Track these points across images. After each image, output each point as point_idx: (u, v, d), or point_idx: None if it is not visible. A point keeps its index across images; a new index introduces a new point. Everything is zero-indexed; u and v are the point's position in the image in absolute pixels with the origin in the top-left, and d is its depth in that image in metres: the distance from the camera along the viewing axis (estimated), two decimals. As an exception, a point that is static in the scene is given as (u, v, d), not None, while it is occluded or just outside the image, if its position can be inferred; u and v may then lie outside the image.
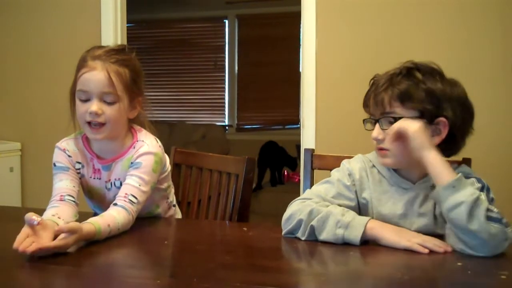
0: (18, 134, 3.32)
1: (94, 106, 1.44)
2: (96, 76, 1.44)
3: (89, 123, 1.47)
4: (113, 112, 1.47)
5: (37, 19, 3.25)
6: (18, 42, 3.29)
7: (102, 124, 1.46)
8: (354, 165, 1.47)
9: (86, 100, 1.46)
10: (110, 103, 1.46)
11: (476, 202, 1.20)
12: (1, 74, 3.35)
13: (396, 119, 1.32)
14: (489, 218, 1.19)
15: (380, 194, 1.43)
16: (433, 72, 1.36)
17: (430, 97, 1.32)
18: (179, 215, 1.79)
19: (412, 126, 1.29)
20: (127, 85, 1.48)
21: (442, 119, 1.31)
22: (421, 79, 1.34)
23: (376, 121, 1.37)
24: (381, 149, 1.37)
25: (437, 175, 1.26)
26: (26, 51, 3.28)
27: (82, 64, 1.47)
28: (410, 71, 1.36)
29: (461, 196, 1.20)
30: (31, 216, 1.19)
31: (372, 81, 1.43)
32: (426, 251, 1.22)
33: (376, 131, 1.36)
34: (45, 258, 1.17)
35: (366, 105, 1.41)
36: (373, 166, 1.46)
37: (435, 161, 1.27)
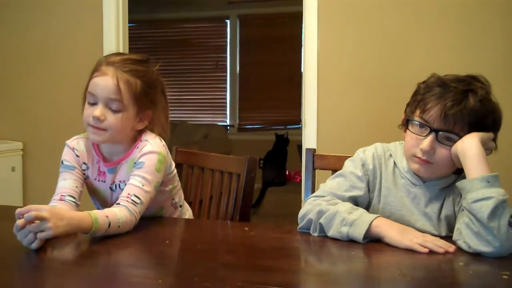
0: (20, 133, 3.32)
1: (98, 111, 1.45)
2: (105, 81, 1.45)
3: (91, 125, 1.47)
4: (116, 121, 1.46)
5: (38, 19, 3.25)
6: (20, 42, 3.30)
7: (103, 130, 1.47)
8: (368, 154, 1.48)
9: (94, 104, 1.47)
10: (114, 111, 1.46)
11: (504, 203, 1.20)
12: (3, 74, 3.36)
13: (456, 140, 1.31)
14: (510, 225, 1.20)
15: (390, 184, 1.45)
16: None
17: (494, 126, 1.34)
18: (188, 215, 1.78)
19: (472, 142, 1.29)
20: (135, 96, 1.48)
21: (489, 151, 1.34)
22: (493, 108, 1.34)
23: (433, 131, 1.32)
24: (425, 160, 1.34)
25: (473, 167, 1.26)
26: (28, 51, 3.29)
27: (96, 68, 1.49)
28: (478, 90, 1.33)
29: (493, 192, 1.21)
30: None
31: (432, 83, 1.36)
32: (426, 250, 1.22)
33: (430, 144, 1.32)
34: (46, 256, 1.17)
35: (422, 109, 1.34)
36: (391, 156, 1.48)
37: (476, 155, 1.26)
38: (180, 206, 1.73)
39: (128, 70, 1.47)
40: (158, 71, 1.57)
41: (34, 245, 1.19)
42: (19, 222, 1.19)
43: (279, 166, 5.58)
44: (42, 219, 1.19)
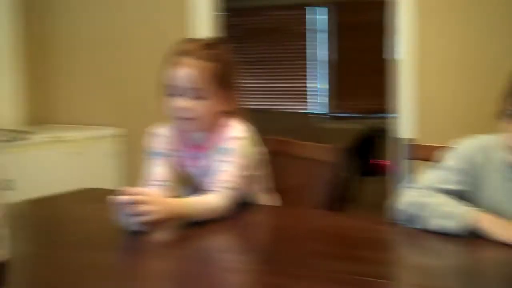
0: (121, 120, 3.38)
1: (184, 102, 1.46)
2: (183, 72, 1.45)
3: (179, 116, 1.49)
4: (201, 108, 1.47)
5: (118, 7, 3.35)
6: (115, 29, 3.37)
7: (191, 119, 1.48)
8: (470, 146, 1.41)
9: (175, 95, 1.48)
10: (198, 99, 1.47)
11: None
12: (107, 62, 3.42)
13: None
14: None
15: (493, 178, 1.36)
16: None
17: None
18: (277, 202, 1.78)
19: None
20: (216, 80, 1.48)
21: None
22: None
23: None
24: None
25: None
26: (132, 41, 3.35)
27: (171, 59, 1.49)
28: None
29: None
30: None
31: None
32: None
33: None
34: (142, 239, 1.23)
35: None
36: (494, 148, 1.38)
37: None
38: (269, 193, 1.73)
39: (204, 56, 1.47)
40: (230, 50, 1.56)
41: (142, 228, 1.23)
42: (123, 206, 1.24)
43: (371, 156, 5.47)
44: (144, 203, 1.23)
